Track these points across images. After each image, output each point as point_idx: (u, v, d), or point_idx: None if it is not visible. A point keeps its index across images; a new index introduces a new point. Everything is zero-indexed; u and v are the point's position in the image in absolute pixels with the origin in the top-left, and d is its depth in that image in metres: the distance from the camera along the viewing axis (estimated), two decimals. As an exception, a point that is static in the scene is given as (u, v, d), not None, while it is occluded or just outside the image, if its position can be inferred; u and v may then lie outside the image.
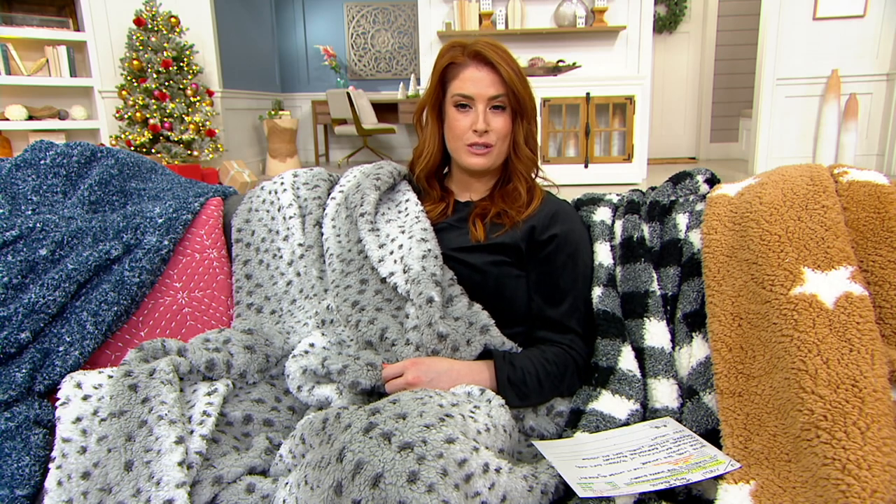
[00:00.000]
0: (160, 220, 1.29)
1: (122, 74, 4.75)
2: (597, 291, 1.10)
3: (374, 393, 1.02)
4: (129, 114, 4.68)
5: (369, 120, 6.32)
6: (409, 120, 6.53)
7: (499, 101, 1.10)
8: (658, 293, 1.08)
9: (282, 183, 1.37)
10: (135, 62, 4.63)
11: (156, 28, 4.66)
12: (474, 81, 1.09)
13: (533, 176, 1.19)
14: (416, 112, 1.21)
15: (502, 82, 1.09)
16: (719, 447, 0.86)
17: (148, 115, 4.67)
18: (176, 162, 4.69)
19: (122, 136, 4.71)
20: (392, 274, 1.10)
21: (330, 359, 1.02)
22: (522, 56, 4.97)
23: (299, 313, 1.24)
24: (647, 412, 0.99)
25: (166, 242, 1.27)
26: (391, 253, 1.13)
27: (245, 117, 6.00)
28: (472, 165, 1.14)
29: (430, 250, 1.09)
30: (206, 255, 1.32)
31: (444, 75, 1.14)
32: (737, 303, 0.95)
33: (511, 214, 1.12)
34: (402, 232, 1.16)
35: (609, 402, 0.98)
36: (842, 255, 0.91)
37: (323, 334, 1.13)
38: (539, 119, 5.12)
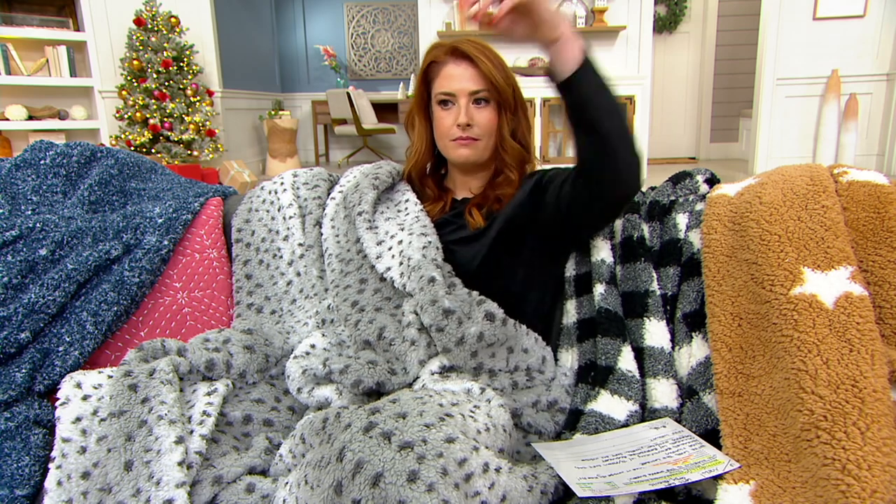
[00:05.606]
0: (160, 220, 1.29)
1: (122, 74, 4.75)
2: (599, 289, 1.10)
3: (374, 394, 1.02)
4: (129, 114, 4.68)
5: (369, 120, 6.32)
6: (409, 120, 6.53)
7: (480, 94, 1.11)
8: (658, 293, 1.08)
9: (282, 183, 1.37)
10: (135, 62, 4.63)
11: (156, 28, 4.66)
12: (454, 78, 1.11)
13: (526, 169, 1.19)
14: (407, 116, 1.23)
15: (482, 76, 1.10)
16: (719, 447, 0.86)
17: (148, 115, 4.67)
18: (176, 162, 4.69)
19: (122, 136, 4.72)
20: (389, 269, 1.10)
21: (331, 359, 1.02)
22: (522, 56, 4.97)
23: (299, 313, 1.24)
24: (646, 412, 0.99)
25: (166, 242, 1.26)
26: (389, 249, 1.13)
27: (245, 117, 5.99)
28: (458, 157, 1.15)
29: (430, 242, 1.10)
30: (206, 255, 1.32)
31: (426, 75, 1.16)
32: (737, 303, 0.95)
33: (505, 196, 1.14)
34: (402, 229, 1.16)
35: (608, 403, 0.98)
36: (842, 255, 0.90)
37: (323, 335, 1.13)
38: (539, 118, 5.12)
